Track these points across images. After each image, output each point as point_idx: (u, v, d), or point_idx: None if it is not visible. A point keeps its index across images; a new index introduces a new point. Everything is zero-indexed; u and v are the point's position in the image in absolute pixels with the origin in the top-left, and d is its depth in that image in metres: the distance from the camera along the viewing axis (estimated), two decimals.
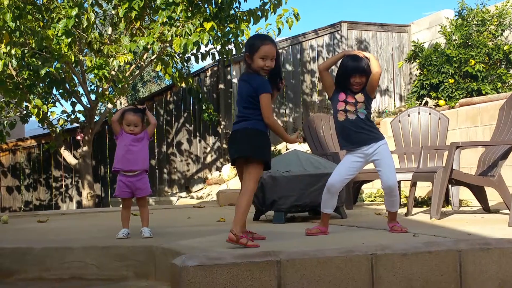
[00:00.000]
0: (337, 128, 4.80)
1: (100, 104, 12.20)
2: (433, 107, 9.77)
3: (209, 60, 11.46)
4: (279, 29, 10.40)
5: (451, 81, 10.23)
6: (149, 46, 9.66)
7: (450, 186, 6.70)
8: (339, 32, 13.67)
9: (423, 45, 11.11)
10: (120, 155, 5.10)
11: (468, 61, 10.17)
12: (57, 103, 11.08)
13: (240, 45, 10.36)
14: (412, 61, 11.32)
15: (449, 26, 10.87)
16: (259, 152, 4.24)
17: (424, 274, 3.71)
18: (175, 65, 11.48)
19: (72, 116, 11.10)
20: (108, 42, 10.33)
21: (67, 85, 10.62)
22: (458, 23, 10.69)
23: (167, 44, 10.28)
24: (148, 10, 10.64)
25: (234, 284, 3.42)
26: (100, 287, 4.25)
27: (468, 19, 10.70)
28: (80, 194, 12.24)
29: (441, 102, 10.26)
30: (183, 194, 12.93)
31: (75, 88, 11.00)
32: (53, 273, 4.51)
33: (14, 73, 9.98)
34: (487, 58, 10.30)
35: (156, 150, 12.97)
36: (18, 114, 11.01)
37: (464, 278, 3.76)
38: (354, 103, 4.67)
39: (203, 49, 10.70)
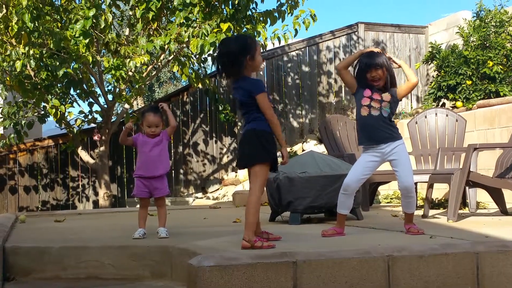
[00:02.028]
0: (358, 123, 4.80)
1: (117, 104, 12.24)
2: (450, 108, 9.71)
3: None
4: (295, 30, 10.38)
5: (469, 82, 10.17)
6: (165, 46, 9.70)
7: (467, 188, 6.66)
8: (356, 33, 13.63)
9: (440, 47, 11.06)
10: (141, 163, 5.11)
11: (486, 62, 10.10)
12: (74, 104, 11.13)
13: None
14: (430, 62, 11.27)
15: (467, 27, 10.80)
16: (261, 155, 4.16)
17: (441, 276, 3.70)
18: (191, 66, 11.50)
19: (89, 117, 11.13)
20: (125, 43, 10.38)
21: (84, 85, 10.67)
22: (476, 24, 10.63)
23: (184, 45, 10.30)
24: (165, 11, 10.66)
25: (250, 284, 3.43)
26: (116, 287, 4.27)
27: (486, 20, 10.62)
28: (96, 194, 12.30)
29: (459, 103, 10.20)
30: (199, 194, 12.95)
31: (93, 89, 11.06)
32: (70, 272, 4.53)
33: (32, 73, 10.04)
34: (505, 59, 10.22)
35: (172, 151, 12.99)
36: (36, 114, 11.06)
37: (481, 281, 3.74)
38: (379, 101, 4.65)
39: None
